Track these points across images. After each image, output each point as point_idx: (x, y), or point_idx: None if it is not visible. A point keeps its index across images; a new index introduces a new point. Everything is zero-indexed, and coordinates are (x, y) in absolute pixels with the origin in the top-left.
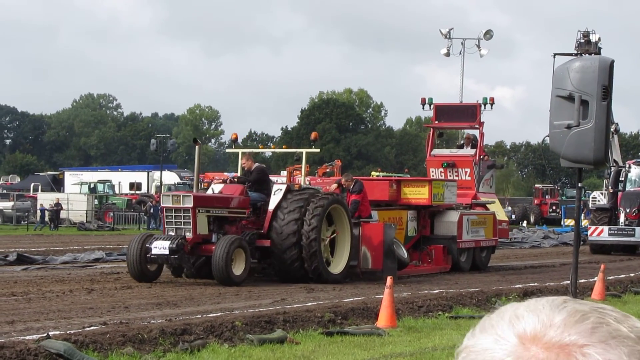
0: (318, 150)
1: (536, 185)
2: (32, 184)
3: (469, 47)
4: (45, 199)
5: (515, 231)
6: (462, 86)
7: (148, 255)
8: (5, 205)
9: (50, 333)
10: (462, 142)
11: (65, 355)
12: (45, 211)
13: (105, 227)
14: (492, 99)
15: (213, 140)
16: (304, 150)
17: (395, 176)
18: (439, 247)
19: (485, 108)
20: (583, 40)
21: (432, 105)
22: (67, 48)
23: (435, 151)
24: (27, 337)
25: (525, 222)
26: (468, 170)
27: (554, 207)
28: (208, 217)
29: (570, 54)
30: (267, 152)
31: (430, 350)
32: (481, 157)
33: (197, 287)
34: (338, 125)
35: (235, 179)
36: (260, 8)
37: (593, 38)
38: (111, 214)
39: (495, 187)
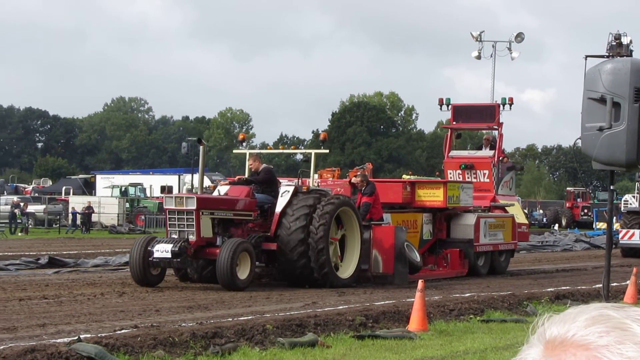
0: (327, 151)
1: (568, 189)
2: (64, 188)
3: (500, 50)
4: (77, 202)
5: (546, 234)
6: (493, 89)
7: (150, 259)
8: (37, 208)
9: (82, 336)
10: (481, 143)
11: (97, 358)
12: (77, 214)
13: (137, 230)
14: (510, 99)
15: (244, 144)
16: (313, 151)
17: (426, 179)
18: (455, 251)
19: (504, 108)
20: (614, 43)
21: (449, 106)
22: (97, 52)
23: (453, 153)
24: (59, 340)
25: (556, 225)
26: (486, 172)
27: (585, 211)
28: (212, 219)
29: (602, 56)
30: (273, 152)
31: (462, 354)
32: (500, 158)
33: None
34: (369, 128)
35: (243, 180)
36: (288, 10)
37: (625, 40)
38: (142, 217)
39: (528, 191)
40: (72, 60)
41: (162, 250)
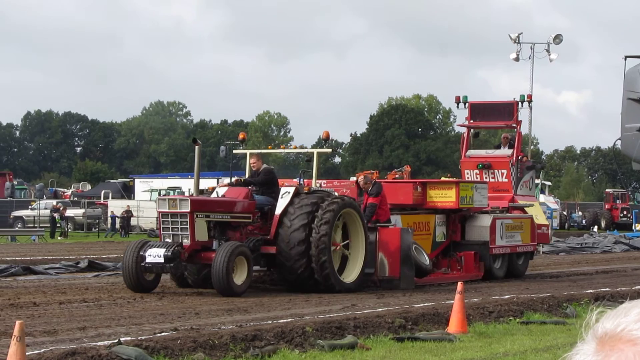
0: (330, 150)
1: (607, 190)
2: (103, 192)
3: (538, 52)
4: (116, 206)
5: (585, 236)
6: (531, 91)
7: (143, 264)
8: (77, 212)
9: (122, 339)
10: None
11: None
12: (116, 218)
13: None
14: (529, 97)
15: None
16: (315, 151)
17: (437, 180)
18: (470, 254)
19: (522, 106)
20: None
21: (467, 104)
22: (133, 56)
23: (471, 152)
24: (99, 343)
25: (596, 227)
26: (505, 171)
27: (625, 212)
28: (208, 222)
29: None
30: (273, 151)
31: (502, 356)
32: (519, 157)
33: (267, 293)
34: (407, 131)
35: (242, 181)
36: (321, 12)
37: None
38: None
39: (566, 192)
40: (109, 64)
41: (155, 255)
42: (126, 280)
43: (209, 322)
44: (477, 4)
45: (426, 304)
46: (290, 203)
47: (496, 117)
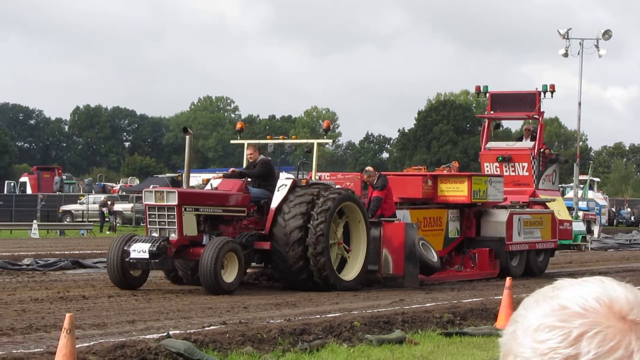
0: (330, 140)
1: None
2: (151, 186)
3: (587, 48)
4: None
5: (634, 233)
6: (580, 87)
7: (127, 260)
8: (125, 207)
9: (171, 332)
10: (521, 134)
11: (186, 354)
12: None
13: None
14: (552, 86)
15: (330, 143)
16: (315, 141)
17: (449, 173)
18: (485, 250)
19: (545, 96)
20: None
21: (487, 94)
22: (179, 51)
23: (491, 144)
24: (148, 337)
25: None
26: (525, 164)
27: None
28: (197, 216)
29: None
30: (272, 142)
31: None
32: (541, 150)
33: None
34: (455, 126)
35: (237, 173)
36: (364, 6)
37: None
38: None
39: (615, 189)
40: (156, 60)
41: (139, 250)
42: (111, 277)
43: (257, 316)
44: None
45: (474, 299)
46: (286, 199)
47: (517, 108)
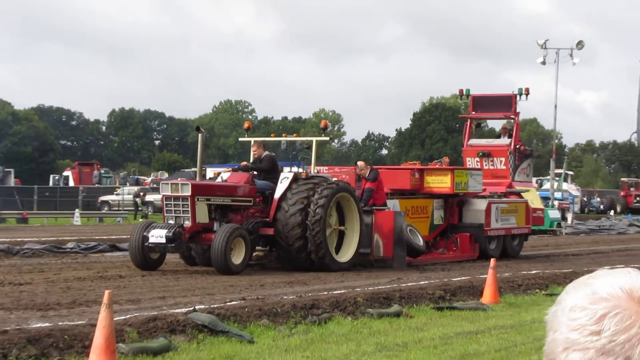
0: (328, 138)
1: (622, 179)
2: (179, 179)
3: (563, 57)
4: None
5: (603, 219)
6: (556, 92)
7: (146, 244)
8: (156, 197)
9: (197, 307)
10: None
11: (210, 326)
12: None
13: None
14: (527, 90)
15: (336, 141)
16: (314, 139)
17: (434, 167)
18: (466, 235)
19: (520, 98)
20: None
21: (469, 96)
22: (202, 59)
23: (472, 141)
24: (177, 310)
25: (612, 211)
26: (503, 159)
27: (638, 198)
28: (209, 205)
29: None
30: (276, 139)
31: (529, 323)
32: (517, 146)
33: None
34: (446, 126)
35: (247, 167)
36: (365, 19)
37: None
38: None
39: (586, 181)
40: (182, 67)
41: (157, 235)
42: (133, 259)
43: (272, 293)
44: (503, 14)
45: (462, 278)
46: (289, 188)
47: (496, 109)
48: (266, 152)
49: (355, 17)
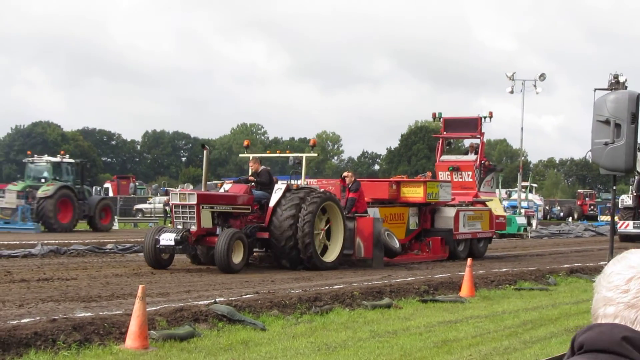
0: (316, 154)
1: (579, 190)
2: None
3: (527, 87)
4: None
5: (563, 225)
6: (522, 116)
7: (157, 246)
8: None
9: (217, 299)
10: (467, 149)
11: (228, 315)
12: None
13: None
14: (490, 113)
15: (335, 158)
16: (304, 155)
17: (410, 179)
18: (437, 239)
19: (485, 120)
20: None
21: (441, 119)
22: (223, 88)
23: (444, 157)
24: (200, 302)
25: (570, 218)
26: (470, 173)
27: (592, 207)
28: (212, 212)
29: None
30: (271, 156)
31: (501, 314)
32: (482, 162)
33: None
34: (429, 145)
35: (245, 179)
36: (358, 55)
37: (621, 79)
38: None
39: (548, 192)
40: (205, 95)
41: (167, 238)
42: (146, 259)
43: (281, 287)
44: (475, 50)
45: (444, 275)
46: (282, 197)
47: (464, 130)
48: (262, 167)
49: (350, 53)
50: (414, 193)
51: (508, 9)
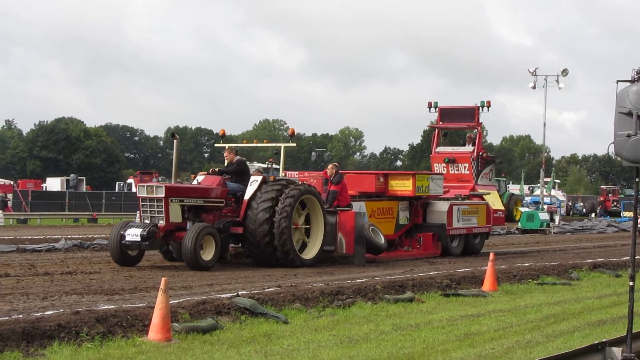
0: (295, 144)
1: (602, 186)
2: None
3: (550, 82)
4: None
5: (585, 221)
6: (545, 113)
7: (123, 242)
8: None
9: (240, 293)
10: (464, 140)
11: (251, 309)
12: None
13: None
14: (488, 102)
15: (358, 153)
16: (282, 145)
17: (398, 172)
18: (429, 235)
19: (482, 110)
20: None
21: (437, 108)
22: (243, 85)
23: (439, 148)
24: (222, 295)
25: (593, 214)
26: (467, 165)
27: (615, 203)
28: (182, 206)
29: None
30: (247, 145)
31: (523, 308)
32: (480, 153)
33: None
34: (451, 141)
35: (217, 171)
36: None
37: None
38: None
39: (571, 188)
40: (227, 91)
41: (133, 234)
42: (112, 256)
43: (304, 281)
44: (494, 44)
45: (466, 269)
46: (258, 189)
47: (461, 120)
48: (237, 157)
49: (366, 49)
50: (403, 186)
51: (526, 5)
